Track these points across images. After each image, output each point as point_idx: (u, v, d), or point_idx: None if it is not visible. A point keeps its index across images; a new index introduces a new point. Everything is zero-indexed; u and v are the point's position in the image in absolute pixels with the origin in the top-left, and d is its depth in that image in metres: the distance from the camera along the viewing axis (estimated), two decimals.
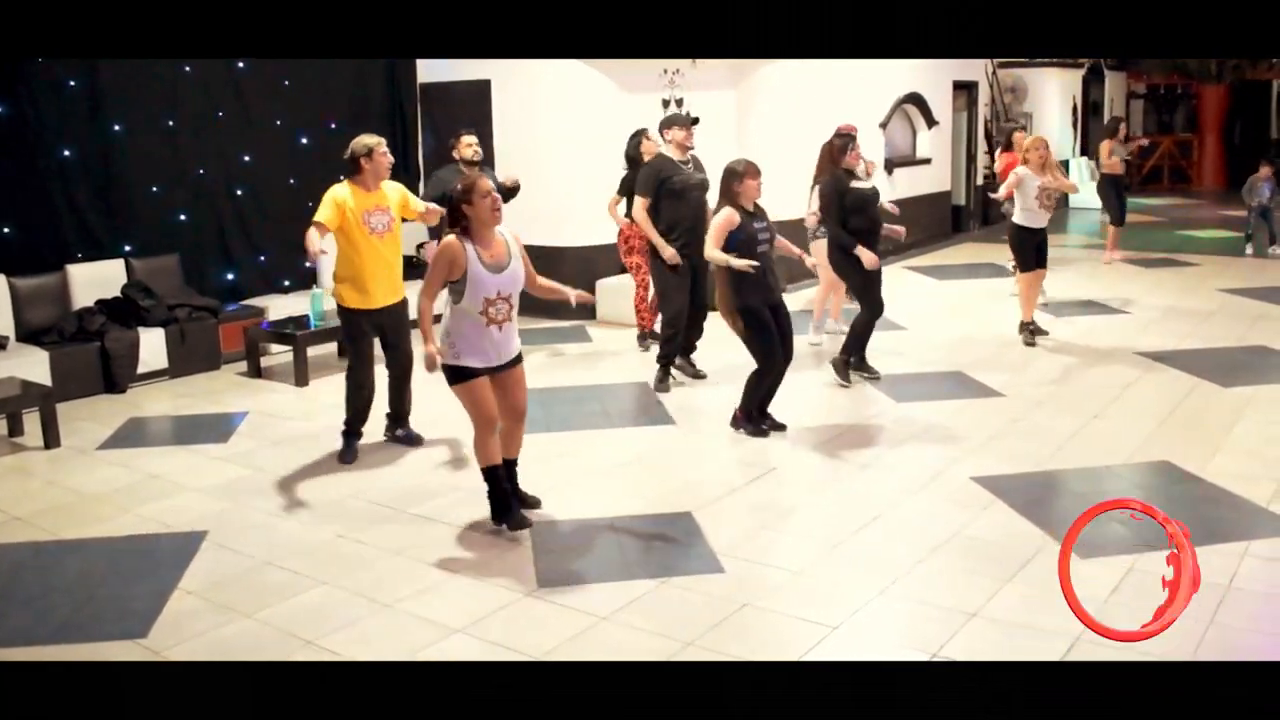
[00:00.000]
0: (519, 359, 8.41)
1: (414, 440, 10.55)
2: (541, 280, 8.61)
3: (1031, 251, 13.90)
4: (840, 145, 12.20)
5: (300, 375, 12.86)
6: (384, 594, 7.36)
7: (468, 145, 12.57)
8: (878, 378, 12.29)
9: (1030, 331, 13.97)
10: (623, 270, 15.18)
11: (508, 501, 8.44)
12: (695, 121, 12.38)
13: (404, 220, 10.32)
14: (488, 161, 13.98)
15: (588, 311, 15.37)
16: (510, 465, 8.65)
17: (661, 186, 11.93)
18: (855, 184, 12.05)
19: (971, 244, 22.56)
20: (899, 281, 18.75)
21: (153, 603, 7.33)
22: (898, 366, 12.79)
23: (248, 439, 10.86)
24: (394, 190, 10.19)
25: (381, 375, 10.41)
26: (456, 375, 8.17)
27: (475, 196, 7.99)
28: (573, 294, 8.71)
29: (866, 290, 12.16)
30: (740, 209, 10.03)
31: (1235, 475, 9.05)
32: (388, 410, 10.60)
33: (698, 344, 12.67)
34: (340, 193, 9.84)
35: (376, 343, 10.39)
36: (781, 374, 10.48)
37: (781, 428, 10.58)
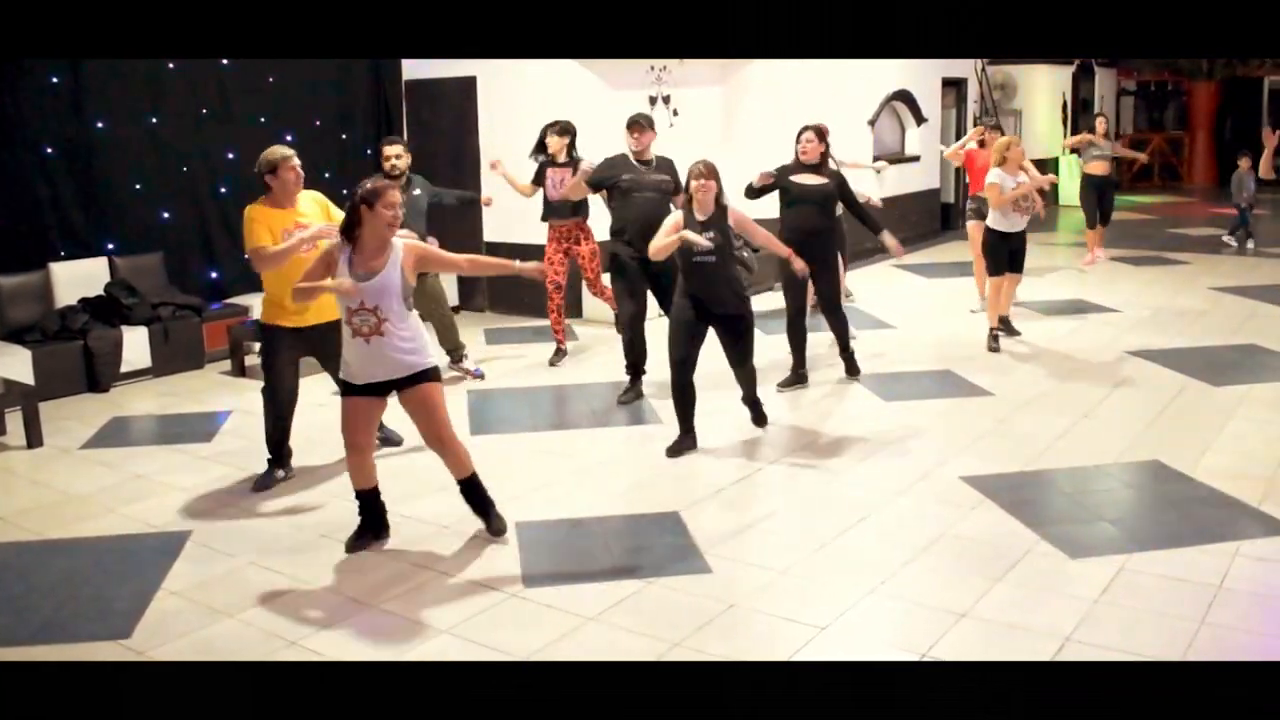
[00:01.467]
0: (420, 378, 7.95)
1: (393, 440, 10.35)
2: (476, 259, 8.47)
3: (1004, 255, 13.71)
4: (797, 137, 11.95)
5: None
6: (368, 594, 7.37)
7: (397, 156, 11.99)
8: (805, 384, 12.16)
9: (995, 337, 13.84)
10: (608, 269, 15.25)
11: (370, 524, 8.27)
12: (647, 122, 11.94)
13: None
14: (465, 157, 13.81)
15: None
16: (467, 484, 8.33)
17: (612, 183, 11.68)
18: (797, 178, 11.77)
19: (961, 242, 22.49)
20: (887, 280, 18.78)
21: (136, 603, 7.32)
22: (886, 365, 12.82)
23: (232, 438, 10.84)
24: (312, 204, 9.59)
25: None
26: (341, 385, 8.10)
27: (380, 204, 7.62)
28: (520, 266, 8.29)
29: (792, 289, 11.97)
30: (689, 214, 9.70)
31: (1226, 474, 9.07)
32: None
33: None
34: (255, 214, 9.24)
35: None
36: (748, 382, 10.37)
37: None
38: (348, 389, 7.94)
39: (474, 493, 8.35)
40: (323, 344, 9.41)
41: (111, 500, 9.28)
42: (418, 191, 12.16)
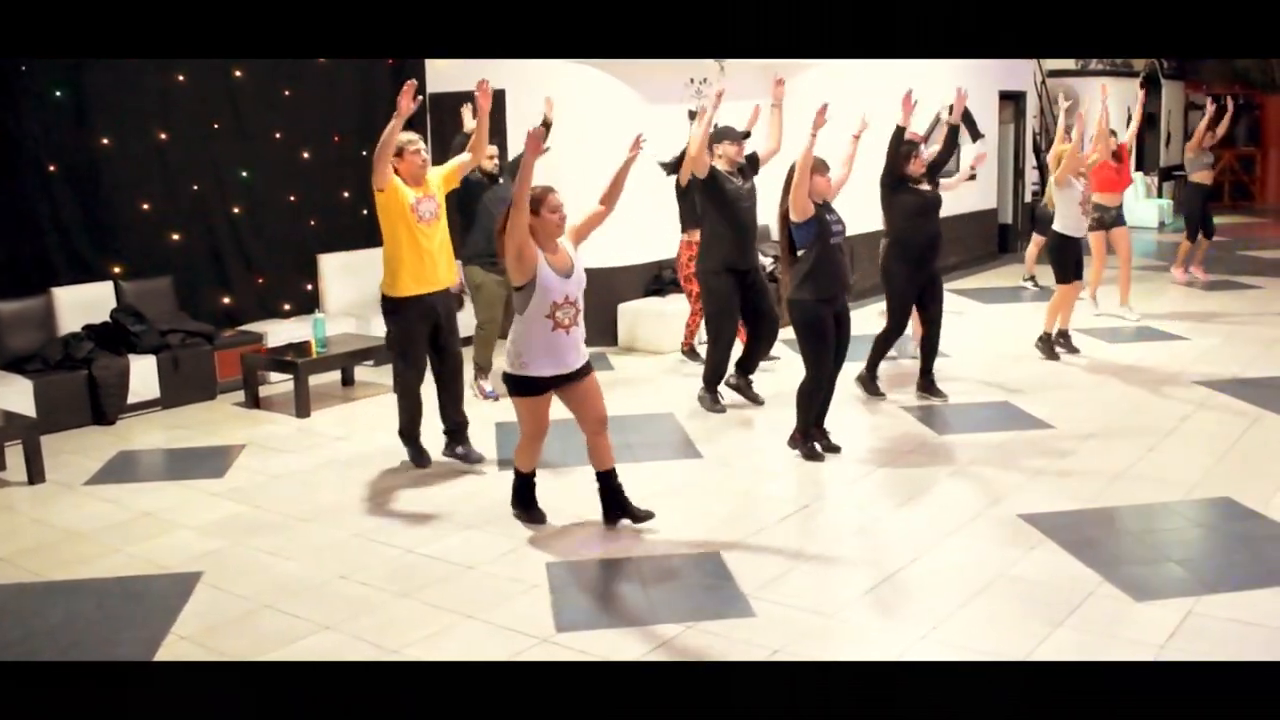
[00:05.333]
0: (589, 367, 8.89)
1: (474, 458, 10.86)
2: (609, 195, 9.33)
3: (1072, 262, 14.12)
4: (905, 154, 12.31)
5: (301, 406, 12.83)
6: (390, 639, 7.37)
7: (489, 157, 12.59)
8: (945, 398, 12.56)
9: (1050, 344, 14.23)
10: (649, 293, 15.45)
11: (531, 500, 9.35)
12: (747, 135, 12.43)
13: (454, 187, 10.95)
14: (493, 176, 13.97)
15: (610, 338, 15.48)
16: (609, 477, 9.12)
17: (712, 193, 12.12)
18: (916, 187, 12.24)
19: (1019, 265, 22.49)
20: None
21: (143, 648, 7.34)
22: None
23: (245, 473, 10.86)
24: (434, 175, 10.62)
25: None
26: (520, 386, 8.74)
27: (545, 210, 8.54)
28: (629, 154, 9.39)
29: (895, 308, 12.51)
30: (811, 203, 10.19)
31: None
32: (444, 427, 10.95)
33: (761, 364, 12.99)
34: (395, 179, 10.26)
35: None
36: (832, 385, 10.67)
37: (835, 449, 10.75)
38: (531, 387, 8.74)
39: (612, 486, 9.22)
40: (445, 314, 10.76)
41: (118, 539, 9.29)
42: (502, 180, 12.80)
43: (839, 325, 10.47)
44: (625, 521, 9.14)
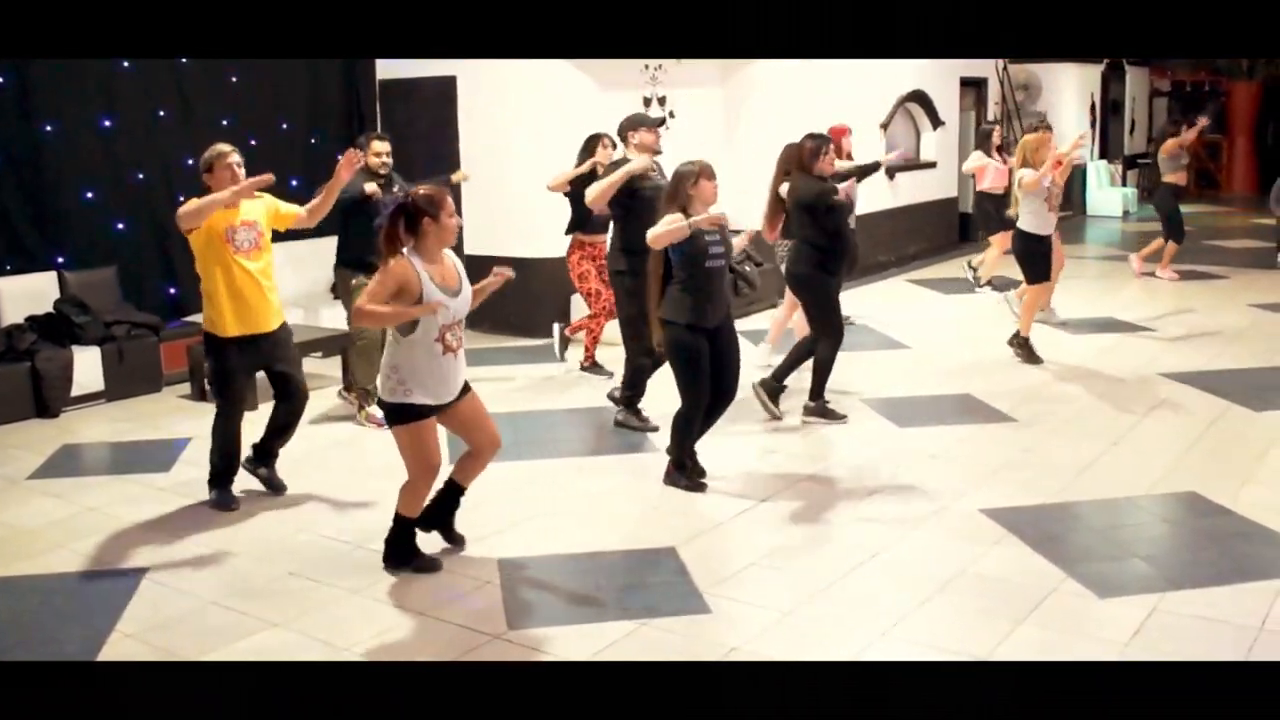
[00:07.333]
0: (468, 385, 8.32)
1: (276, 486, 10.09)
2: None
3: (1042, 261, 13.90)
4: (813, 148, 11.42)
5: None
6: (339, 637, 7.35)
7: (376, 155, 11.90)
8: (844, 419, 11.85)
9: (1030, 347, 14.01)
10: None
11: (415, 547, 8.44)
12: (661, 123, 11.74)
13: (280, 231, 9.94)
14: (444, 164, 13.87)
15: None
16: (459, 493, 8.69)
17: (633, 195, 11.16)
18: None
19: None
20: (901, 296, 18.78)
21: (87, 646, 7.30)
22: (900, 389, 12.84)
23: (192, 468, 10.75)
24: (256, 202, 9.60)
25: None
26: (402, 415, 8.02)
27: (444, 214, 7.88)
28: (498, 278, 8.40)
29: (826, 317, 11.57)
30: (690, 217, 9.41)
31: (1268, 507, 9.07)
32: (255, 442, 10.14)
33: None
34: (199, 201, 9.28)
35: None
36: (718, 413, 10.05)
37: (701, 474, 10.01)
38: (414, 414, 8.00)
39: (455, 503, 8.72)
40: (277, 353, 9.84)
41: (61, 535, 9.25)
42: (397, 189, 11.64)
43: (722, 349, 9.74)
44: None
